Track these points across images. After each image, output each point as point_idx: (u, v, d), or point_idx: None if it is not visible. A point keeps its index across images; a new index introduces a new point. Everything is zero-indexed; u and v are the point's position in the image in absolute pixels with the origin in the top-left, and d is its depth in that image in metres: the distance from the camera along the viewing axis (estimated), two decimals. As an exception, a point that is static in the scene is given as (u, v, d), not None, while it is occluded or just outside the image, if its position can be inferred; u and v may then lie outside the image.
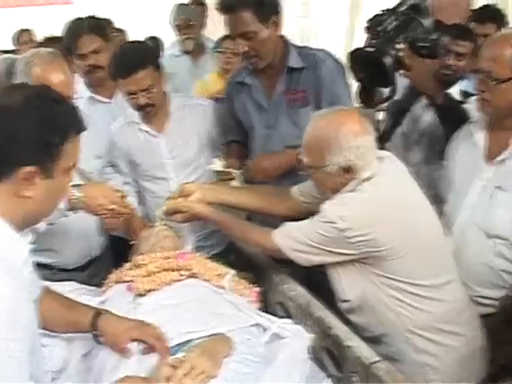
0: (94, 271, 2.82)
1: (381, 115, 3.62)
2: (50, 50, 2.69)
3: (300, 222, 2.16)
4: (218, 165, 2.82)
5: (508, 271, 2.24)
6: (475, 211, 2.30)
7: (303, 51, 2.77)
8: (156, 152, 3.00)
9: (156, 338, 1.88)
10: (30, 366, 1.44)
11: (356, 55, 2.56)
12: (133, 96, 2.79)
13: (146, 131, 2.99)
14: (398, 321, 2.10)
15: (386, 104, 3.06)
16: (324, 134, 2.05)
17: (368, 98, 2.87)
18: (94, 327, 1.90)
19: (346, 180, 2.07)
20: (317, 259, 2.13)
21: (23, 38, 5.63)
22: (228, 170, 2.78)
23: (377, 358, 1.85)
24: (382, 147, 3.01)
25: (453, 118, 2.64)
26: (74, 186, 2.33)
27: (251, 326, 2.07)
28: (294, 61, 2.71)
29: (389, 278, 2.07)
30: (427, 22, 2.51)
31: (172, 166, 3.01)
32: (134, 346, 1.88)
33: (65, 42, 3.23)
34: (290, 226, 2.18)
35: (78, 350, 1.96)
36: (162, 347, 1.87)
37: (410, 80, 2.63)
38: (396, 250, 2.04)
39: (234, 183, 2.75)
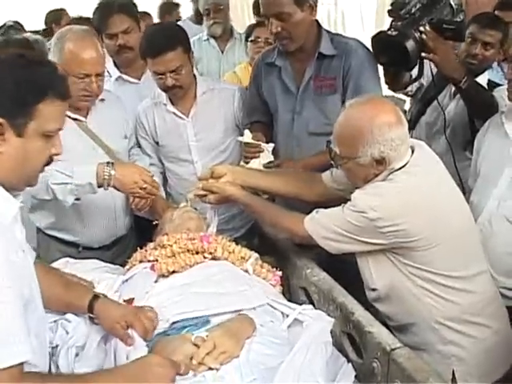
0: (119, 251, 2.87)
1: (407, 102, 3.63)
2: (83, 27, 2.74)
3: (330, 210, 2.16)
4: (248, 136, 2.75)
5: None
6: (504, 202, 2.31)
7: (336, 38, 2.79)
8: (182, 134, 3.03)
9: (144, 328, 1.92)
10: (25, 320, 1.48)
11: (378, 39, 2.59)
12: (161, 76, 2.82)
13: (173, 113, 3.03)
14: (425, 311, 2.11)
15: (412, 88, 3.08)
16: (358, 125, 2.02)
17: (393, 81, 2.91)
18: (91, 310, 1.95)
19: (378, 171, 2.06)
20: (346, 247, 2.13)
21: (54, 17, 5.68)
22: (257, 142, 2.74)
23: (398, 345, 1.87)
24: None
25: (479, 102, 2.63)
26: (107, 163, 2.43)
27: (273, 309, 2.10)
28: (326, 47, 2.73)
29: (419, 268, 2.07)
30: (456, 1, 2.51)
31: (196, 148, 3.04)
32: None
33: (95, 22, 3.28)
34: (320, 213, 2.18)
35: (97, 330, 1.98)
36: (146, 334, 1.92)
37: (434, 63, 2.61)
38: (427, 240, 2.03)
39: (263, 156, 2.73)
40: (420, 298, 2.10)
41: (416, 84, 3.12)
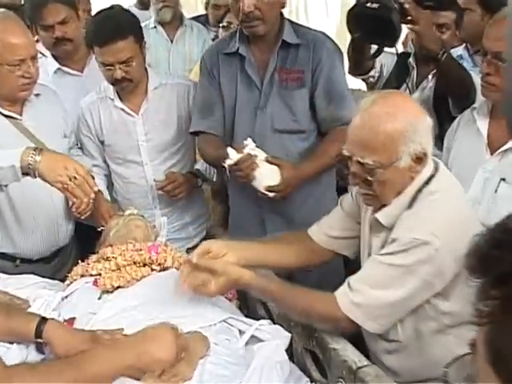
0: (60, 263, 2.85)
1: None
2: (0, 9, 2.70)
3: (366, 274, 1.98)
4: (233, 154, 2.51)
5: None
6: (478, 205, 2.33)
7: (299, 28, 2.82)
8: (130, 133, 3.02)
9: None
10: None
11: (357, 12, 2.63)
12: (109, 68, 2.80)
13: (121, 109, 3.01)
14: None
15: (374, 73, 3.14)
16: (393, 122, 1.88)
17: (356, 65, 2.97)
18: (39, 336, 1.88)
19: (415, 173, 1.94)
20: (398, 315, 1.97)
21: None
22: (246, 154, 2.51)
23: (365, 362, 1.89)
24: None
25: (457, 78, 2.69)
26: (34, 148, 2.29)
27: (229, 326, 2.12)
28: (290, 36, 2.75)
29: (452, 313, 1.96)
30: None
31: (146, 149, 3.04)
32: None
33: (27, 12, 3.23)
34: (355, 285, 1.95)
35: (35, 353, 1.94)
36: None
37: (416, 34, 2.68)
38: None
39: (263, 170, 2.55)
40: (448, 347, 1.91)
41: (377, 71, 3.17)
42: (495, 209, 2.29)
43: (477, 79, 2.64)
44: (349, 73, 3.21)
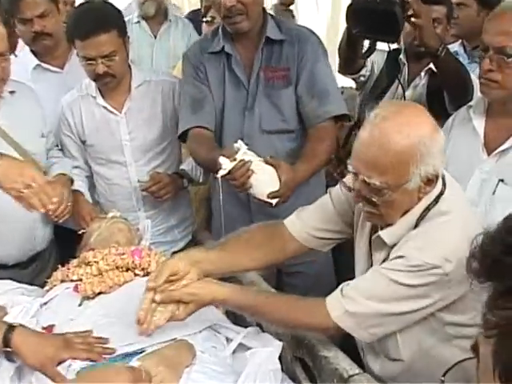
0: (38, 268, 2.81)
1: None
2: None
3: (360, 283, 1.93)
4: (227, 164, 2.34)
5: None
6: (475, 208, 2.28)
7: (282, 24, 2.79)
8: (113, 132, 2.98)
9: (87, 349, 1.90)
10: None
11: (357, 7, 2.60)
12: (91, 62, 2.76)
13: (104, 107, 2.97)
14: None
15: (365, 72, 3.13)
16: (405, 142, 1.77)
17: (346, 63, 2.96)
18: (7, 344, 1.85)
19: (424, 194, 1.86)
20: (391, 328, 1.91)
21: None
22: (240, 160, 2.36)
23: (357, 371, 1.87)
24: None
25: (456, 75, 2.67)
26: None
27: (216, 333, 2.09)
28: (273, 32, 2.72)
29: (456, 324, 1.92)
30: None
31: (130, 148, 3.00)
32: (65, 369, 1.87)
33: (4, 4, 3.14)
34: (349, 294, 1.90)
35: (5, 369, 1.91)
36: (99, 356, 1.89)
37: (417, 29, 2.62)
38: None
39: (260, 176, 2.41)
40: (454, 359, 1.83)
41: (368, 70, 3.15)
42: (493, 211, 2.26)
43: (473, 77, 2.63)
44: (339, 72, 3.20)
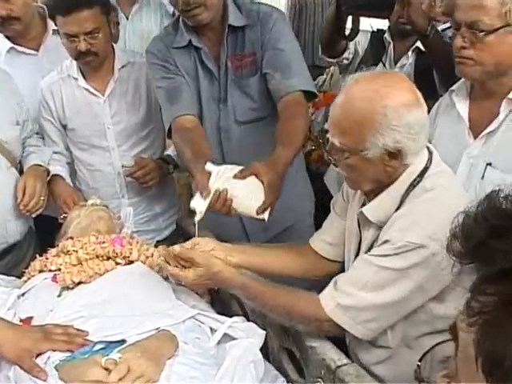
0: (13, 260, 2.76)
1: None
2: None
3: (351, 276, 1.90)
4: (200, 205, 2.16)
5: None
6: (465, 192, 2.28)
7: (243, 6, 2.69)
8: (96, 115, 2.95)
9: (67, 341, 1.87)
10: None
11: None
12: (73, 39, 2.72)
13: (86, 89, 2.93)
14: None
15: (348, 55, 3.11)
16: (366, 107, 1.77)
17: (329, 45, 2.92)
18: None
19: (391, 168, 1.84)
20: (390, 320, 1.87)
21: None
22: (217, 191, 2.17)
23: (345, 361, 1.85)
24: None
25: (444, 55, 2.61)
26: None
27: (199, 323, 2.06)
28: (235, 18, 2.64)
29: (447, 317, 1.75)
30: None
31: (113, 132, 2.97)
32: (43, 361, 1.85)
33: None
34: (341, 287, 1.88)
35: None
36: (79, 347, 1.86)
37: (406, 4, 2.61)
38: None
39: (242, 194, 2.23)
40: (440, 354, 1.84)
41: (351, 52, 3.13)
42: (483, 195, 2.22)
43: None
44: (322, 54, 3.19)
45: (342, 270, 2.12)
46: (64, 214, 2.63)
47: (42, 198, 2.40)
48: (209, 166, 2.22)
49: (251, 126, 2.73)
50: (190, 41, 2.67)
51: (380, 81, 1.82)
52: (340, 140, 1.83)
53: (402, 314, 1.87)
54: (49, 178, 2.78)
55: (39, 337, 1.86)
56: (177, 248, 2.03)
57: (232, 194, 2.20)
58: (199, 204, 2.16)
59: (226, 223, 2.56)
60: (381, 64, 3.04)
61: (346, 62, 3.18)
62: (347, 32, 2.88)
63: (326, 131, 1.91)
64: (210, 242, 2.12)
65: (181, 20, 2.69)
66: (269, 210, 2.26)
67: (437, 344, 1.74)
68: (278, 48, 2.60)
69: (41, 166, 2.57)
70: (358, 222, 2.00)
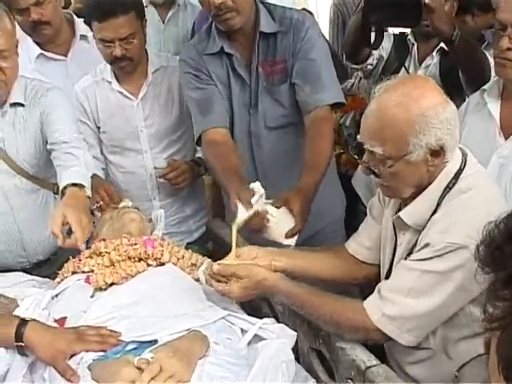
0: (47, 270, 2.66)
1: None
2: None
3: (395, 282, 1.89)
4: (243, 213, 2.22)
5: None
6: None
7: (276, 12, 2.69)
8: (129, 118, 2.99)
9: (101, 341, 1.90)
10: None
11: None
12: (109, 45, 2.76)
13: (120, 92, 2.97)
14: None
15: (372, 61, 3.10)
16: (403, 112, 1.79)
17: (353, 52, 2.92)
18: (19, 339, 1.86)
19: (434, 167, 1.85)
20: (435, 325, 1.88)
21: None
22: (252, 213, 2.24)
23: (374, 362, 1.86)
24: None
25: (473, 59, 2.64)
26: None
27: (230, 324, 2.08)
28: (267, 24, 2.64)
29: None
30: None
31: (146, 135, 3.00)
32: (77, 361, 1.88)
33: None
34: (386, 295, 1.88)
35: (22, 359, 1.92)
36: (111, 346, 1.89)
37: (429, 13, 2.59)
38: None
39: (275, 219, 2.30)
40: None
41: (376, 56, 3.12)
42: None
43: (490, 59, 2.59)
44: (346, 61, 3.19)
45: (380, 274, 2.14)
46: (96, 204, 2.66)
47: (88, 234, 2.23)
48: (256, 186, 2.29)
49: (281, 132, 2.74)
50: (221, 47, 2.68)
51: (410, 84, 1.84)
52: (382, 149, 1.83)
53: (444, 318, 1.87)
54: None
55: (73, 338, 1.89)
56: (215, 266, 2.03)
57: (267, 217, 2.27)
58: (241, 212, 2.22)
59: None
60: (406, 65, 3.05)
61: (370, 67, 3.18)
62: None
63: (361, 144, 1.90)
64: (253, 249, 2.14)
65: (213, 26, 2.70)
66: (296, 236, 2.31)
67: (477, 356, 1.78)
68: (309, 58, 2.61)
69: (80, 186, 2.30)
70: (394, 226, 2.01)
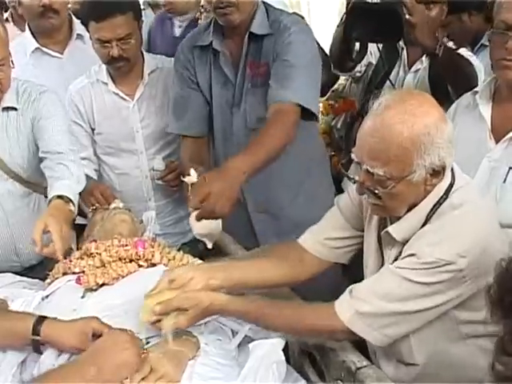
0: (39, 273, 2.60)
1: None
2: None
3: (372, 282, 1.87)
4: (194, 176, 2.28)
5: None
6: (486, 198, 2.24)
7: (272, 15, 2.68)
8: (125, 119, 2.99)
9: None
10: None
11: (357, 10, 2.60)
12: (105, 45, 2.75)
13: (116, 94, 2.97)
14: (476, 376, 1.81)
15: (360, 68, 3.11)
16: (408, 131, 1.72)
17: (340, 61, 2.92)
18: (36, 333, 1.86)
19: (431, 186, 1.82)
20: (406, 328, 1.84)
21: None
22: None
23: (365, 363, 1.86)
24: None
25: (457, 71, 2.63)
26: None
27: (221, 325, 2.08)
28: (259, 25, 2.63)
29: (471, 322, 1.86)
30: None
31: (142, 136, 3.00)
32: None
33: None
34: (357, 294, 1.84)
35: (12, 358, 1.92)
36: None
37: (411, 28, 2.60)
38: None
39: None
40: (466, 359, 1.89)
41: (364, 63, 3.13)
42: (504, 200, 2.21)
43: (477, 62, 2.62)
44: (333, 70, 3.19)
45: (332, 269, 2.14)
46: (92, 207, 2.65)
47: (71, 247, 2.31)
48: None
49: None
50: (211, 42, 2.69)
51: (412, 101, 1.76)
52: (384, 170, 1.76)
53: (422, 323, 1.85)
54: None
55: (87, 319, 1.90)
56: (156, 308, 1.88)
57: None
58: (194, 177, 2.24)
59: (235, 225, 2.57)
60: (396, 69, 3.06)
61: (358, 74, 3.18)
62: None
63: (358, 163, 1.83)
64: (187, 271, 1.99)
65: (213, 20, 2.71)
66: (213, 239, 2.26)
67: None
68: (284, 59, 2.56)
69: (67, 199, 2.30)
70: (379, 239, 1.98)
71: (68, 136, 2.56)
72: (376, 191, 1.80)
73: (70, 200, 2.28)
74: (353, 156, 1.84)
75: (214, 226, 2.21)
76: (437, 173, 1.78)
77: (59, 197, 2.27)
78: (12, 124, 2.52)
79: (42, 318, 1.89)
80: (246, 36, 2.63)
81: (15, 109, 2.51)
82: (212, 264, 2.14)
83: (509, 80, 2.24)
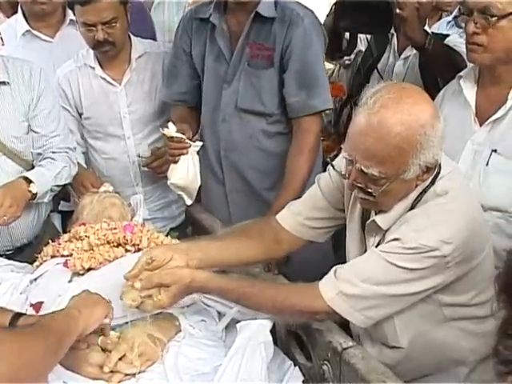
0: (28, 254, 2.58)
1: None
2: None
3: (355, 264, 1.87)
4: (172, 129, 2.48)
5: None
6: (468, 181, 2.21)
7: (281, 1, 2.63)
8: (112, 104, 2.97)
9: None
10: None
11: (345, 2, 2.62)
12: (90, 28, 2.73)
13: (103, 78, 2.95)
14: (458, 357, 1.94)
15: (350, 56, 3.11)
16: (405, 131, 1.69)
17: (332, 50, 2.91)
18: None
19: (422, 181, 1.82)
20: (388, 311, 1.83)
21: None
22: (181, 136, 2.52)
23: (351, 343, 1.85)
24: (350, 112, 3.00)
25: (446, 63, 2.63)
26: None
27: (206, 307, 2.08)
28: (266, 8, 2.58)
29: (456, 305, 1.88)
30: None
31: (129, 121, 2.99)
32: None
33: None
34: (343, 275, 1.83)
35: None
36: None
37: (401, 22, 2.60)
38: (478, 258, 1.83)
39: (188, 157, 2.55)
40: (451, 343, 1.91)
41: (353, 54, 3.14)
42: (487, 182, 2.22)
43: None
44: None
45: (306, 246, 2.15)
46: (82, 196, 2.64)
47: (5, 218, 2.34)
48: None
49: (251, 117, 2.69)
50: (210, 15, 2.66)
51: (408, 100, 1.72)
52: (379, 169, 1.73)
53: (404, 305, 1.85)
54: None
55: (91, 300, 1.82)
56: (137, 284, 1.86)
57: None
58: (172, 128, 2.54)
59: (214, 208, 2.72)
60: (385, 55, 3.05)
61: (348, 62, 3.17)
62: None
63: (350, 161, 1.80)
64: (166, 251, 1.97)
65: None
66: (192, 195, 2.57)
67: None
68: (305, 62, 2.55)
69: (29, 181, 2.44)
70: (362, 226, 1.98)
71: (63, 120, 2.67)
72: (369, 189, 1.79)
73: (32, 182, 2.43)
74: (345, 154, 1.81)
75: (191, 177, 2.41)
76: (430, 169, 1.78)
77: (25, 178, 2.43)
78: (4, 98, 2.50)
79: (18, 315, 1.79)
80: (252, 15, 2.59)
81: (5, 83, 2.50)
82: (189, 244, 2.10)
83: (472, 62, 2.26)
